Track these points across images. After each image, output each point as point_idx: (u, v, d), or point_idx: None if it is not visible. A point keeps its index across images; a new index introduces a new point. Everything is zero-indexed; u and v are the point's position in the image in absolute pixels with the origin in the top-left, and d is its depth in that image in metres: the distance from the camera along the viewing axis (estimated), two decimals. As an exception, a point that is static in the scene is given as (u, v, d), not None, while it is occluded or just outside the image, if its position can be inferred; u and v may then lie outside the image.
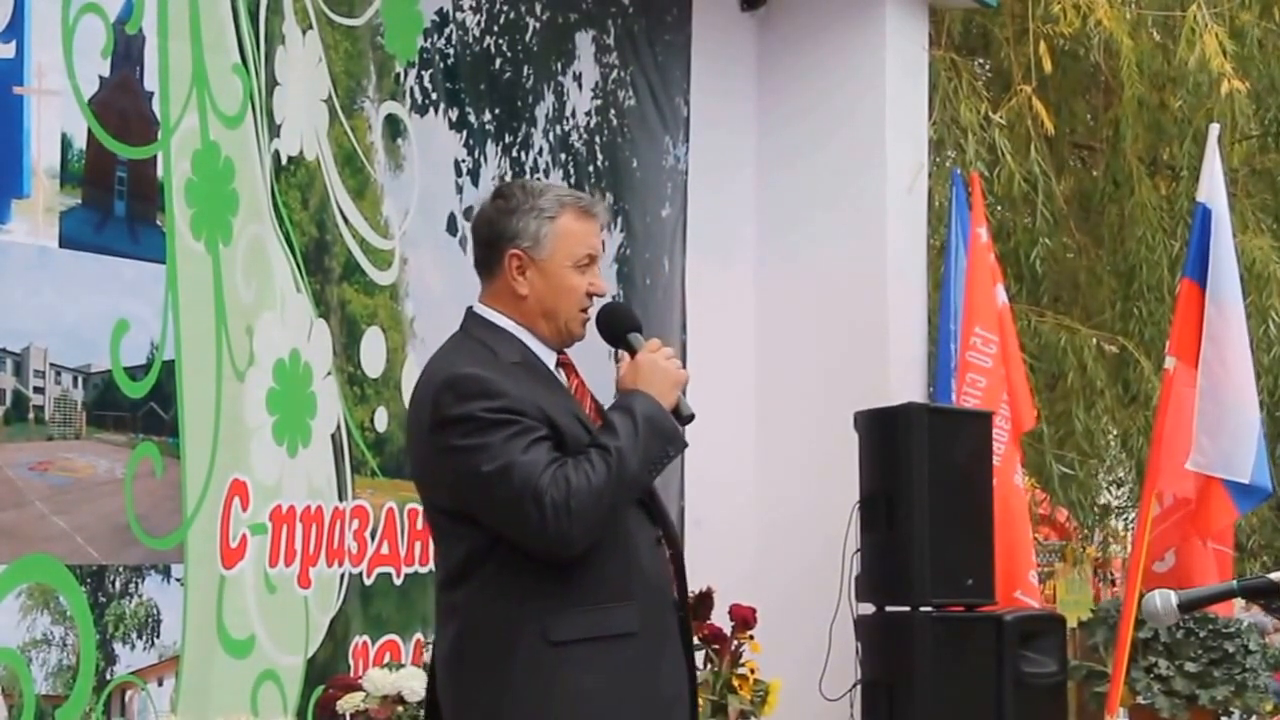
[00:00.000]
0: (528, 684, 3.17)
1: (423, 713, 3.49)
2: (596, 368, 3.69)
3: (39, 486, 4.27)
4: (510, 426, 3.15)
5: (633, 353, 3.41)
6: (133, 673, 4.52)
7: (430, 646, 5.13)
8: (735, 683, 5.70)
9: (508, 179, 6.07)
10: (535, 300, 3.34)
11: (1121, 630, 6.79)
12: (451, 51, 5.91)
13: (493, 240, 3.37)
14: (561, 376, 3.41)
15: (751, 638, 5.85)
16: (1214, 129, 7.15)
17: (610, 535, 3.21)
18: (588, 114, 6.54)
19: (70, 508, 4.34)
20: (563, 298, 3.35)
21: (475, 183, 5.95)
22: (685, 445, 3.36)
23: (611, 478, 3.14)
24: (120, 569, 4.49)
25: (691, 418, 3.37)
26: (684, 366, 3.40)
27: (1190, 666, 6.97)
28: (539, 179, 6.07)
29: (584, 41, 6.56)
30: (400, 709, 4.85)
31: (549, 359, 3.39)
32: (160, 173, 4.66)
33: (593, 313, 3.44)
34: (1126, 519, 10.55)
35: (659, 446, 3.25)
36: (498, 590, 3.20)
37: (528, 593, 3.18)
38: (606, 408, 3.33)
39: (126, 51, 4.58)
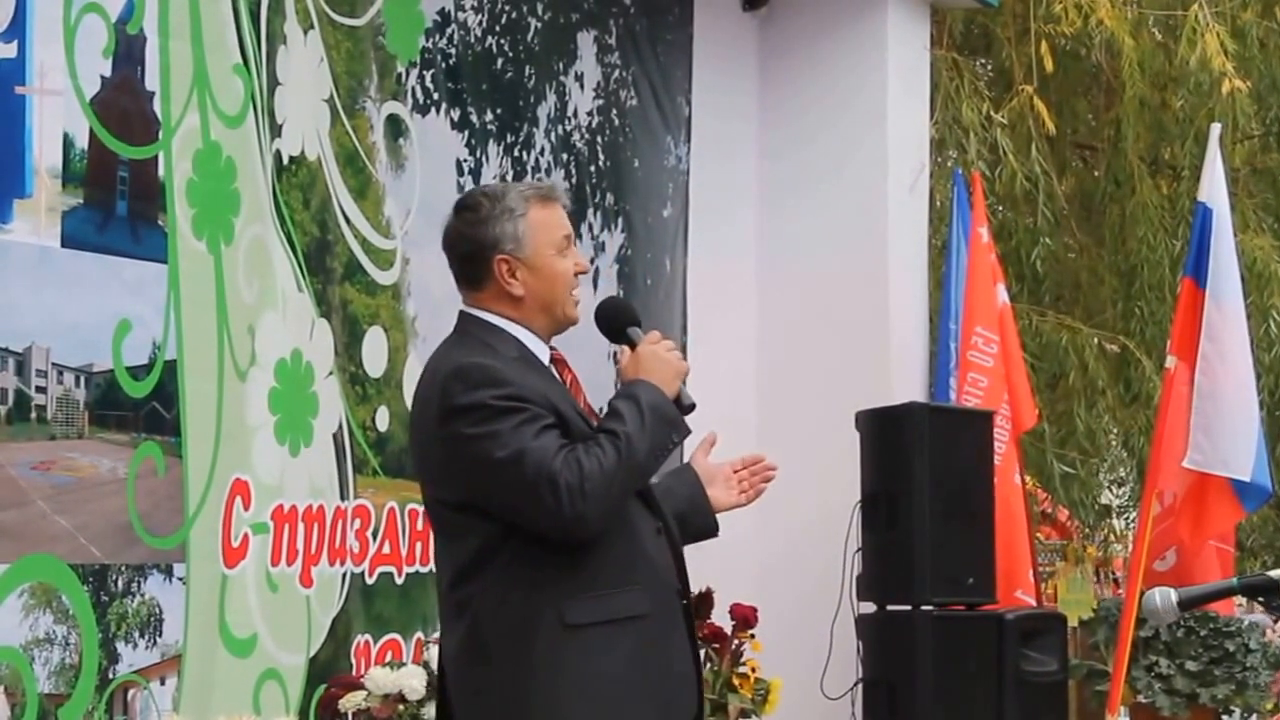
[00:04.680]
0: (547, 667, 3.23)
1: (434, 713, 3.54)
2: (596, 367, 3.71)
3: (41, 486, 4.28)
4: (519, 414, 3.21)
5: (633, 346, 3.46)
6: (135, 671, 4.53)
7: (429, 646, 5.16)
8: (736, 681, 5.71)
9: (509, 179, 6.08)
10: (532, 297, 3.40)
11: (1122, 629, 6.78)
12: (453, 51, 5.92)
13: (474, 253, 3.41)
14: (555, 372, 3.46)
15: (753, 637, 5.85)
16: (1215, 129, 7.15)
17: (616, 524, 3.28)
18: (589, 114, 6.55)
19: (72, 507, 4.35)
20: (556, 285, 3.41)
21: (477, 182, 5.95)
22: (689, 432, 3.42)
23: (622, 461, 3.22)
24: (122, 568, 4.50)
25: (693, 406, 3.43)
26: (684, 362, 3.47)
27: (1191, 665, 6.97)
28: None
29: (585, 41, 6.56)
30: (401, 707, 4.86)
31: (543, 355, 3.44)
32: (162, 173, 4.67)
33: (579, 294, 3.48)
34: (1128, 518, 10.55)
35: (664, 433, 3.32)
36: (512, 581, 3.26)
37: (541, 581, 3.25)
38: (611, 397, 3.38)
39: (128, 51, 4.59)
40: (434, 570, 5.59)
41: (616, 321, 3.54)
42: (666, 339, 3.47)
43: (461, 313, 3.46)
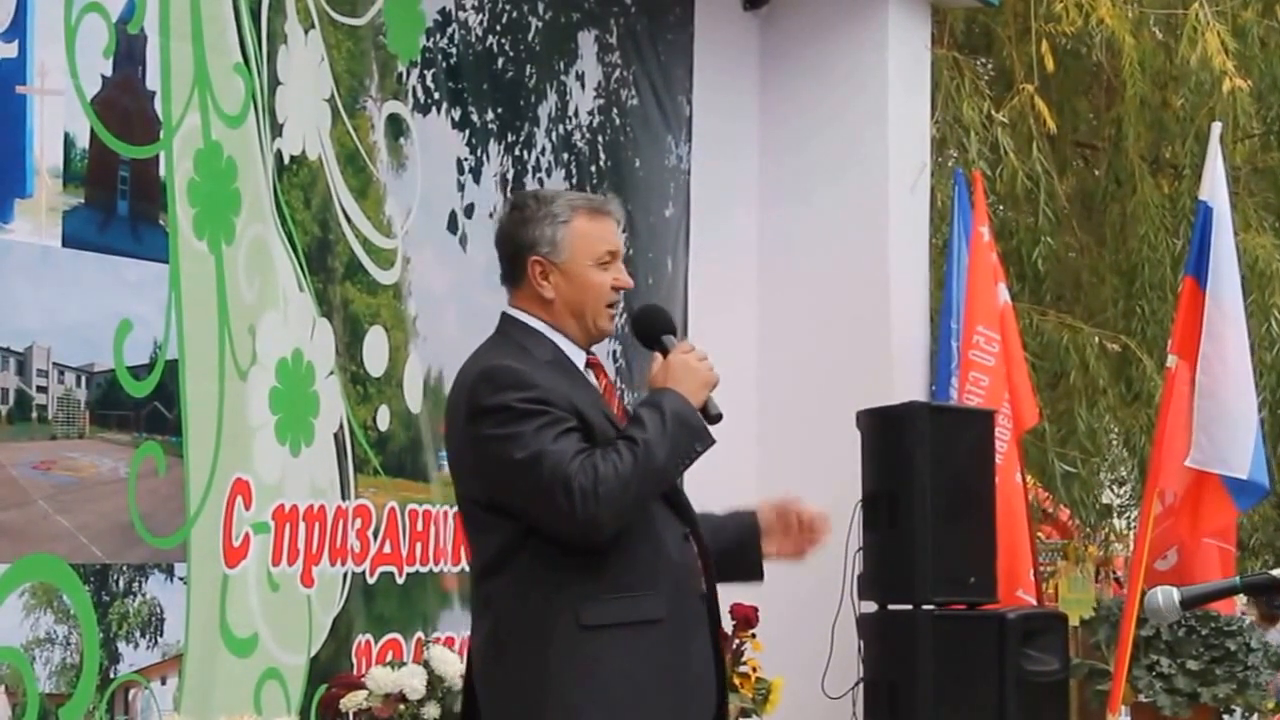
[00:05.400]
0: (562, 667, 3.28)
1: (460, 702, 3.59)
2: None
3: (42, 485, 4.28)
4: (542, 417, 3.27)
5: (665, 353, 3.49)
6: (136, 671, 4.53)
7: (430, 645, 5.17)
8: (737, 681, 5.71)
9: (509, 178, 6.09)
10: (562, 302, 3.46)
11: (1123, 628, 6.78)
12: (454, 51, 5.92)
13: (514, 252, 3.50)
14: (591, 377, 3.51)
15: (754, 636, 5.86)
16: (1216, 127, 7.14)
17: (639, 529, 3.33)
18: (590, 113, 6.55)
19: (73, 507, 4.35)
20: (588, 295, 3.46)
21: (477, 181, 5.96)
22: (713, 442, 3.44)
23: (638, 467, 3.25)
24: (123, 568, 4.50)
25: (719, 417, 3.46)
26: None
27: (1192, 664, 6.96)
28: (550, 186, 6.12)
29: (586, 41, 6.56)
30: (402, 707, 4.86)
31: (579, 359, 3.49)
32: (163, 172, 4.67)
33: (620, 308, 3.55)
34: (1129, 518, 10.55)
35: (686, 442, 3.36)
36: (532, 580, 3.32)
37: (561, 582, 3.30)
38: (637, 404, 3.42)
39: (128, 51, 4.59)
40: (434, 570, 5.63)
41: (653, 328, 3.58)
42: (698, 348, 3.50)
43: (503, 313, 3.54)
